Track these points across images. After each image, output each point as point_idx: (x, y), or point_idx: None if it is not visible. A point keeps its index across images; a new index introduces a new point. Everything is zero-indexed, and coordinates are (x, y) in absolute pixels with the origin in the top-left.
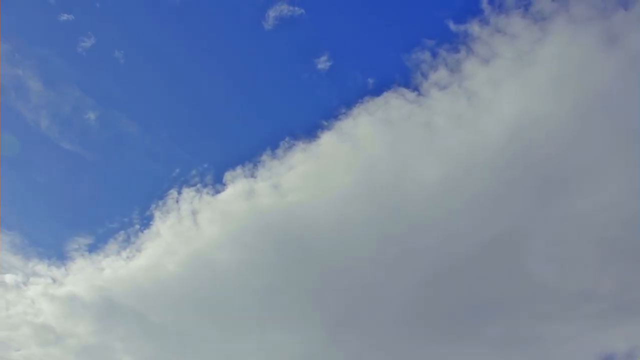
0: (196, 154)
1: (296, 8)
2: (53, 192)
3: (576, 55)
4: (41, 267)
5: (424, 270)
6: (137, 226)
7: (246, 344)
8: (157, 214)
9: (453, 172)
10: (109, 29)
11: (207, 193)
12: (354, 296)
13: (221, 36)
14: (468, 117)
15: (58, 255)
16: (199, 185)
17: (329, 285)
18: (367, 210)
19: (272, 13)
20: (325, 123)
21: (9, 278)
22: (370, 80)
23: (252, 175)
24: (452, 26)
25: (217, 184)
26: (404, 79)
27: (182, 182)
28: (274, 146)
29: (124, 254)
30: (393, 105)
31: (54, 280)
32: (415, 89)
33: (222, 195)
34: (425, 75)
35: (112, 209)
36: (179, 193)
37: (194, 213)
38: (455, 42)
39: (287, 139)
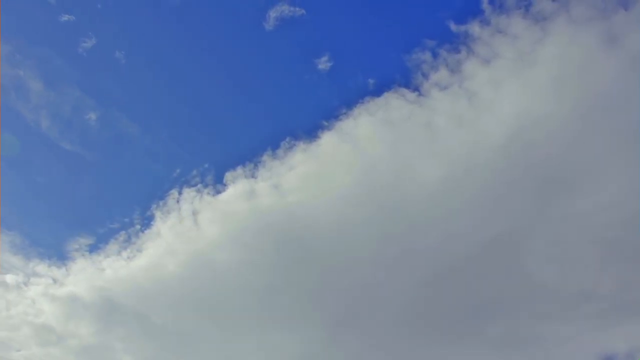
0: (197, 154)
1: (297, 8)
2: (54, 193)
3: (576, 56)
4: (42, 267)
5: (424, 270)
6: (138, 226)
7: (246, 344)
8: (157, 214)
9: (453, 172)
10: (110, 30)
11: (208, 193)
12: (354, 296)
13: (222, 37)
14: (468, 118)
15: (59, 255)
16: (199, 186)
17: (329, 285)
18: (367, 211)
19: (272, 13)
20: (326, 123)
21: (9, 278)
22: (371, 81)
23: (253, 176)
24: (453, 26)
25: (218, 184)
26: (404, 79)
27: (182, 183)
28: (275, 146)
29: (124, 254)
30: (393, 105)
31: (55, 281)
32: (416, 89)
33: (223, 196)
34: (425, 76)
35: (112, 209)
36: (180, 193)
37: (195, 213)
38: (456, 42)
39: (287, 139)
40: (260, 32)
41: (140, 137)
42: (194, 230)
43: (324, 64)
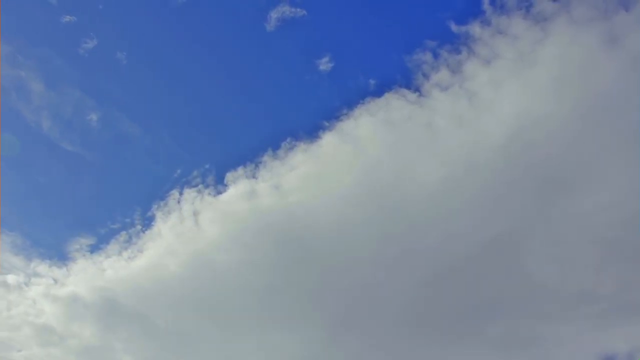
0: (198, 154)
1: (298, 9)
2: (55, 193)
3: (577, 56)
4: (42, 267)
5: (424, 270)
6: (139, 227)
7: (246, 344)
8: (158, 214)
9: (453, 172)
10: (111, 31)
11: (209, 194)
12: (354, 296)
13: (223, 37)
14: (469, 118)
15: (59, 255)
16: (200, 186)
17: (329, 285)
18: (367, 211)
19: (274, 14)
20: (327, 124)
21: (10, 278)
22: (372, 81)
23: (254, 176)
24: (454, 27)
25: (219, 184)
26: (405, 80)
27: (183, 183)
28: (276, 147)
29: (125, 254)
30: (394, 106)
31: (56, 281)
32: (417, 89)
33: (224, 196)
34: (426, 76)
35: (113, 209)
36: (181, 194)
37: (196, 214)
38: (457, 43)
39: (288, 139)
40: (262, 33)
41: (141, 138)
42: (194, 230)
43: (325, 64)
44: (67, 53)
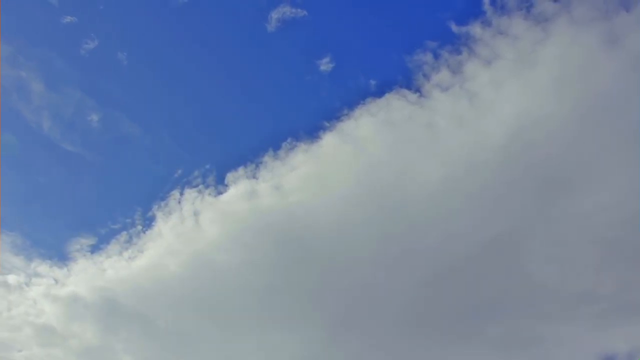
0: (198, 155)
1: (299, 10)
2: (55, 193)
3: (577, 56)
4: (43, 267)
5: (424, 270)
6: (139, 227)
7: (246, 344)
8: (159, 214)
9: (454, 172)
10: (112, 31)
11: (209, 194)
12: (354, 296)
13: (223, 38)
14: (469, 118)
15: (60, 256)
16: (201, 186)
17: (329, 285)
18: (367, 211)
19: (274, 15)
20: (327, 124)
21: (11, 279)
22: (372, 82)
23: (254, 176)
24: (454, 28)
25: (219, 184)
26: (405, 80)
27: (184, 183)
28: (276, 147)
29: (125, 254)
30: (395, 106)
31: (56, 281)
32: (417, 90)
33: (224, 196)
34: (427, 77)
35: (114, 209)
36: (181, 194)
37: (196, 214)
38: (457, 43)
39: (289, 140)
40: (262, 33)
41: (141, 138)
42: (195, 230)
43: (325, 65)
44: (68, 53)
